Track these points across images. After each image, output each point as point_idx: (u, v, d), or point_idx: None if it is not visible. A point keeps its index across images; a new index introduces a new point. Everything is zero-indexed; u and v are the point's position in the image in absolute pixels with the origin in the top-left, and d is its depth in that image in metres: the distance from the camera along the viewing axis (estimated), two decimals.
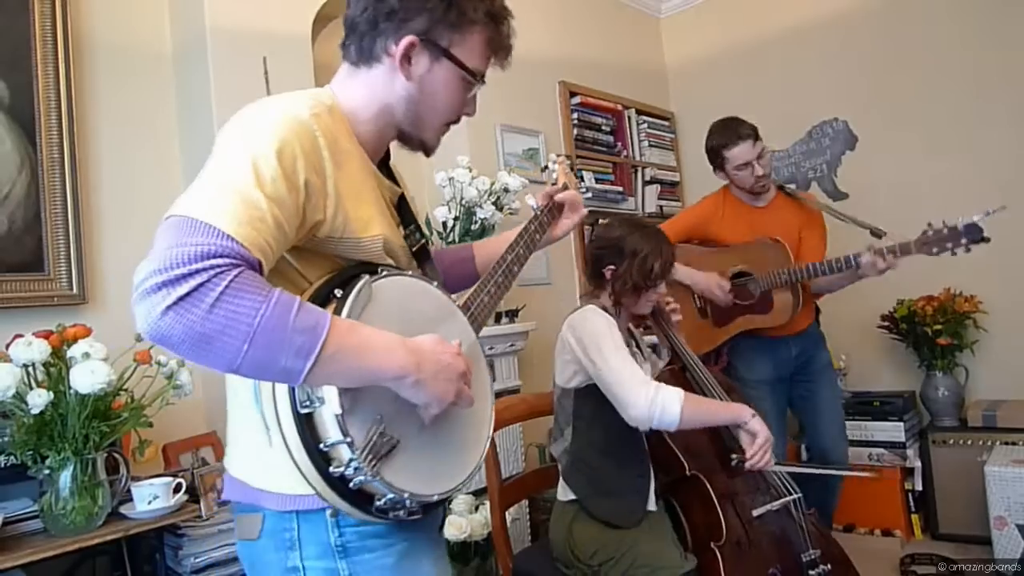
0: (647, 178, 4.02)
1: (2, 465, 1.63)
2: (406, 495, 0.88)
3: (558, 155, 1.61)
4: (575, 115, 3.64)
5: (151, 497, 1.73)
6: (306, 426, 0.84)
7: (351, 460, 0.83)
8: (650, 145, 4.08)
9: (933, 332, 3.14)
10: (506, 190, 2.73)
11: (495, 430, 1.10)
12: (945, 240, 2.17)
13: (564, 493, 1.84)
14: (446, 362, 0.91)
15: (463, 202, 2.63)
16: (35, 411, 1.54)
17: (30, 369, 1.59)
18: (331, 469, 0.84)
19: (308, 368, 0.78)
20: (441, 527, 1.14)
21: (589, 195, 3.48)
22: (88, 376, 1.56)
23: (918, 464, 3.14)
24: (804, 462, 2.85)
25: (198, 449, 2.13)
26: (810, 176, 3.79)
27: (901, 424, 3.19)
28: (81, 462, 1.62)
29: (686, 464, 1.84)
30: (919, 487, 3.12)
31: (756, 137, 2.44)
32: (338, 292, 0.91)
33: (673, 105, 4.36)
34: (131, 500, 1.74)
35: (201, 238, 0.76)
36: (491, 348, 2.67)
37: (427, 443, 0.94)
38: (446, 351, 0.92)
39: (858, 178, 3.62)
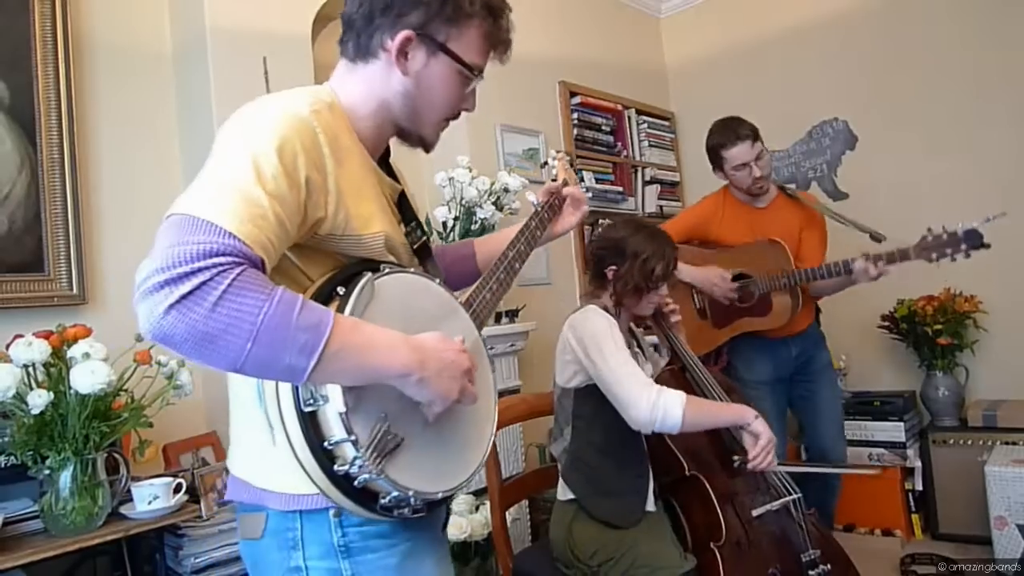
0: (647, 178, 4.02)
1: (2, 465, 1.63)
2: (411, 493, 0.87)
3: (557, 151, 1.60)
4: (575, 115, 3.64)
5: (151, 497, 1.72)
6: (310, 424, 0.84)
7: (355, 458, 0.83)
8: (650, 145, 4.08)
9: (933, 332, 3.14)
10: (506, 190, 2.73)
11: (496, 429, 1.09)
12: (944, 246, 2.15)
13: (563, 493, 1.84)
14: (450, 359, 0.90)
15: (463, 202, 2.63)
16: (35, 411, 1.54)
17: (30, 369, 1.59)
18: (335, 467, 0.84)
19: (312, 366, 0.78)
20: (444, 526, 1.14)
21: (589, 195, 3.44)
22: (88, 376, 1.56)
23: (918, 464, 3.14)
24: (805, 461, 2.85)
25: (198, 449, 2.13)
26: (810, 176, 3.79)
27: (901, 424, 3.19)
28: (81, 462, 1.62)
29: (685, 464, 1.84)
30: (919, 487, 3.12)
31: (755, 138, 2.42)
32: (340, 290, 0.90)
33: (673, 105, 4.37)
34: (131, 500, 1.74)
35: (203, 236, 0.75)
36: (491, 348, 2.67)
37: (431, 441, 0.94)
38: (450, 348, 0.91)
39: (858, 178, 3.62)
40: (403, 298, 0.97)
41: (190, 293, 0.72)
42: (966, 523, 2.93)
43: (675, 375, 2.03)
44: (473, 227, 2.65)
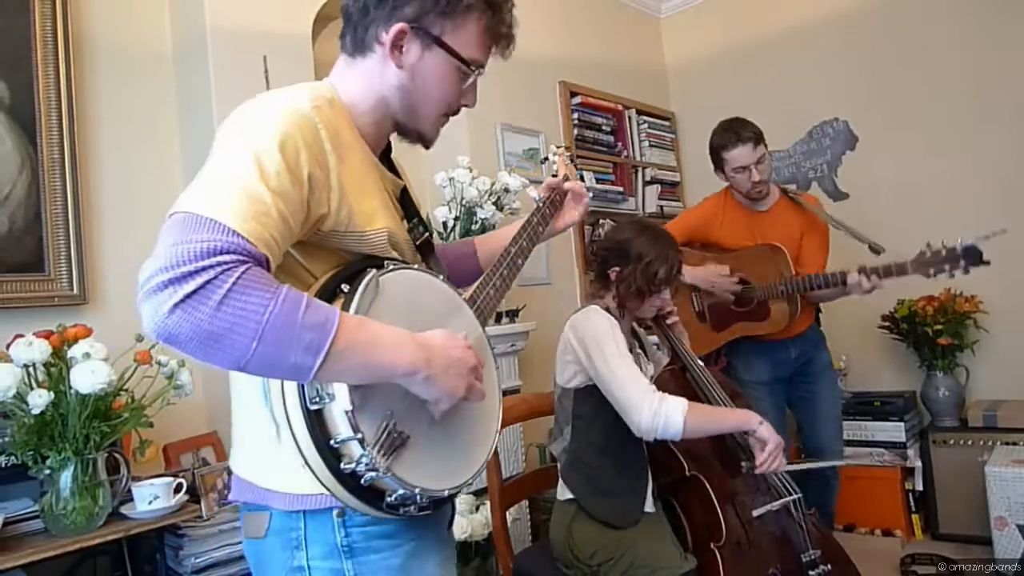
0: (647, 178, 4.02)
1: (3, 465, 1.62)
2: (417, 491, 0.87)
3: (558, 146, 1.59)
4: (575, 115, 3.64)
5: (152, 497, 1.72)
6: (316, 423, 0.84)
7: (362, 456, 0.82)
8: (650, 145, 4.08)
9: (934, 332, 3.14)
10: (506, 190, 2.73)
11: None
12: (943, 262, 2.13)
13: (563, 492, 1.84)
14: (456, 356, 0.90)
15: (463, 202, 2.63)
16: (36, 411, 1.54)
17: (31, 369, 1.58)
18: (342, 466, 0.83)
19: (318, 365, 0.77)
20: (450, 524, 1.13)
21: (590, 195, 3.47)
22: (89, 376, 1.55)
23: (919, 464, 3.14)
24: (806, 458, 2.85)
25: (199, 449, 2.13)
26: (810, 176, 3.79)
27: (902, 424, 3.19)
28: (82, 462, 1.61)
29: (686, 465, 1.84)
30: (920, 487, 3.12)
31: (758, 141, 2.39)
32: (345, 287, 0.90)
33: (673, 105, 4.36)
34: (132, 500, 1.74)
35: (207, 234, 0.75)
36: (491, 348, 2.66)
37: (437, 438, 0.93)
38: (456, 345, 0.91)
39: (858, 178, 3.62)
40: (408, 295, 0.97)
41: (194, 292, 0.72)
42: (966, 523, 2.93)
43: (675, 375, 2.03)
44: (473, 227, 2.65)
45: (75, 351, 1.60)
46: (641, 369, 1.79)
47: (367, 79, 1.01)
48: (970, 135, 3.29)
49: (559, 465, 1.87)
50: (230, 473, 1.02)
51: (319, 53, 2.54)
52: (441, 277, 1.05)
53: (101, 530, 1.64)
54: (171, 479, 1.77)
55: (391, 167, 1.11)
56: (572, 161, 1.58)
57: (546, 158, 1.60)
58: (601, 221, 3.61)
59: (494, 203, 2.68)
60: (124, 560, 1.79)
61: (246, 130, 0.86)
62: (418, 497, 0.88)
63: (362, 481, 0.84)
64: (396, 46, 0.98)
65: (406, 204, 1.12)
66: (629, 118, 3.99)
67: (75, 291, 2.06)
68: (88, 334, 1.66)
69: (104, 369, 1.58)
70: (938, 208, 3.32)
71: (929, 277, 2.16)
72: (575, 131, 3.61)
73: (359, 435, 0.82)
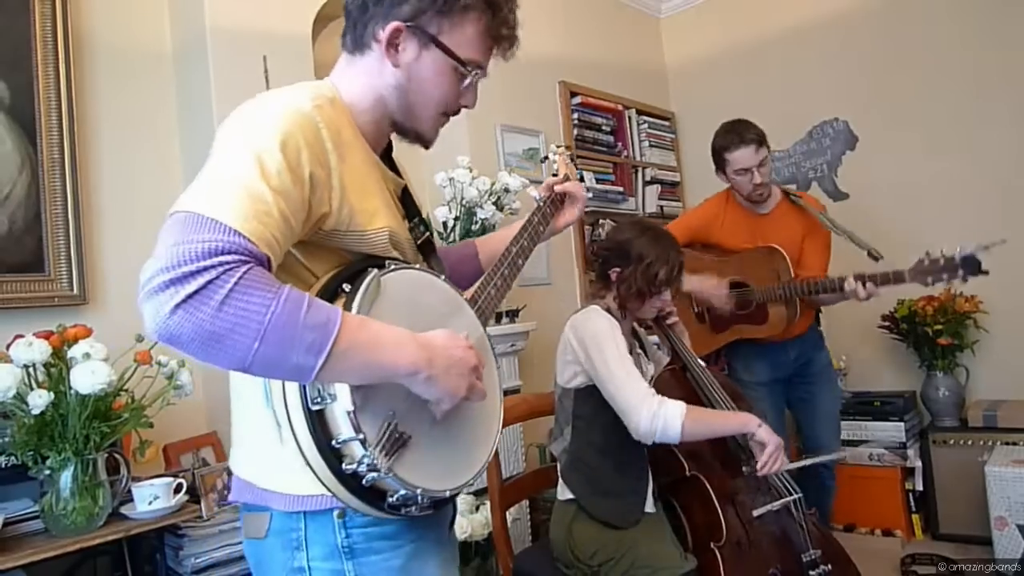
0: (647, 178, 4.02)
1: (3, 466, 1.62)
2: (419, 491, 0.87)
3: (558, 145, 1.58)
4: (575, 115, 3.63)
5: (152, 497, 1.72)
6: (317, 423, 0.84)
7: (363, 457, 0.82)
8: (650, 145, 4.08)
9: (934, 332, 3.14)
10: (506, 190, 2.72)
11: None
12: (941, 271, 2.12)
13: (563, 492, 1.84)
14: (458, 356, 0.90)
15: (463, 202, 2.63)
16: (36, 411, 1.54)
17: (31, 369, 1.58)
18: (343, 466, 0.83)
19: (320, 365, 0.77)
20: (451, 525, 1.13)
21: (590, 195, 3.46)
22: (88, 376, 1.55)
23: (919, 464, 3.13)
24: (805, 457, 2.85)
25: (199, 449, 2.13)
26: (810, 176, 3.79)
27: (902, 424, 3.19)
28: (82, 462, 1.61)
29: (686, 465, 1.84)
30: (920, 487, 3.12)
31: (760, 143, 2.38)
32: (346, 287, 0.89)
33: (673, 105, 4.36)
34: (132, 500, 1.74)
35: (208, 234, 0.74)
36: (493, 348, 2.66)
37: (439, 439, 0.93)
38: (457, 345, 0.91)
39: (858, 178, 3.62)
40: (409, 295, 0.97)
41: (196, 292, 0.72)
42: (966, 523, 2.93)
43: (675, 375, 2.03)
44: (474, 227, 2.65)
45: (75, 351, 1.60)
46: (642, 369, 1.79)
47: (366, 78, 1.01)
48: (970, 135, 3.29)
49: (559, 465, 1.87)
50: (230, 473, 1.02)
51: (319, 53, 2.53)
52: (442, 277, 1.05)
53: (101, 530, 1.64)
54: (171, 479, 1.77)
55: (392, 166, 1.10)
56: (572, 160, 1.58)
57: (546, 157, 1.60)
58: (601, 221, 3.61)
59: (494, 203, 2.68)
60: (124, 560, 1.79)
61: (247, 130, 0.86)
62: (419, 497, 0.88)
63: (364, 482, 0.84)
64: (392, 44, 0.98)
65: (407, 203, 1.12)
66: (629, 118, 3.99)
67: (75, 291, 2.05)
68: (88, 334, 1.66)
69: (104, 369, 1.58)
70: (938, 208, 3.33)
71: (927, 286, 2.16)
72: (575, 131, 3.61)
73: (361, 435, 0.82)
